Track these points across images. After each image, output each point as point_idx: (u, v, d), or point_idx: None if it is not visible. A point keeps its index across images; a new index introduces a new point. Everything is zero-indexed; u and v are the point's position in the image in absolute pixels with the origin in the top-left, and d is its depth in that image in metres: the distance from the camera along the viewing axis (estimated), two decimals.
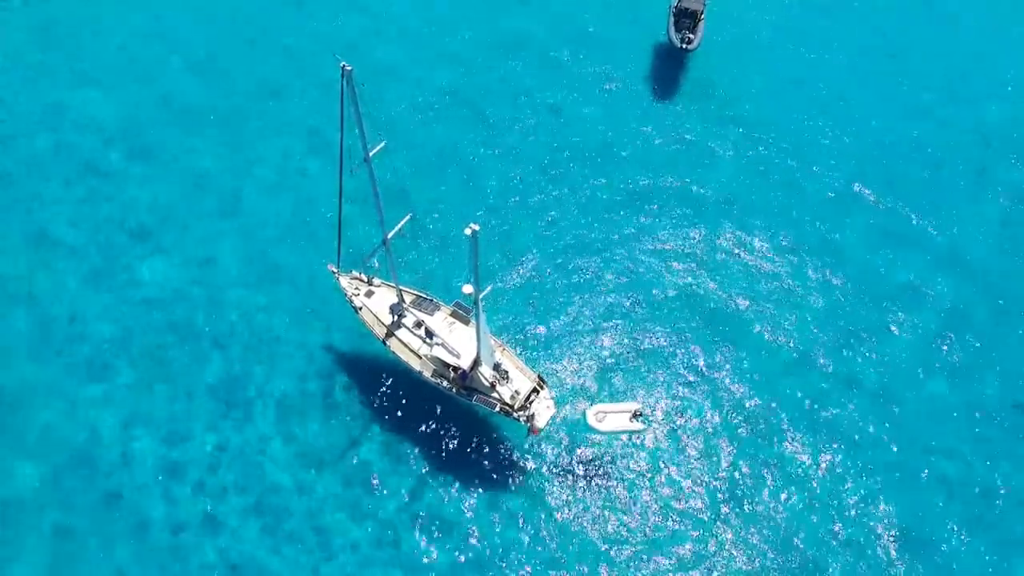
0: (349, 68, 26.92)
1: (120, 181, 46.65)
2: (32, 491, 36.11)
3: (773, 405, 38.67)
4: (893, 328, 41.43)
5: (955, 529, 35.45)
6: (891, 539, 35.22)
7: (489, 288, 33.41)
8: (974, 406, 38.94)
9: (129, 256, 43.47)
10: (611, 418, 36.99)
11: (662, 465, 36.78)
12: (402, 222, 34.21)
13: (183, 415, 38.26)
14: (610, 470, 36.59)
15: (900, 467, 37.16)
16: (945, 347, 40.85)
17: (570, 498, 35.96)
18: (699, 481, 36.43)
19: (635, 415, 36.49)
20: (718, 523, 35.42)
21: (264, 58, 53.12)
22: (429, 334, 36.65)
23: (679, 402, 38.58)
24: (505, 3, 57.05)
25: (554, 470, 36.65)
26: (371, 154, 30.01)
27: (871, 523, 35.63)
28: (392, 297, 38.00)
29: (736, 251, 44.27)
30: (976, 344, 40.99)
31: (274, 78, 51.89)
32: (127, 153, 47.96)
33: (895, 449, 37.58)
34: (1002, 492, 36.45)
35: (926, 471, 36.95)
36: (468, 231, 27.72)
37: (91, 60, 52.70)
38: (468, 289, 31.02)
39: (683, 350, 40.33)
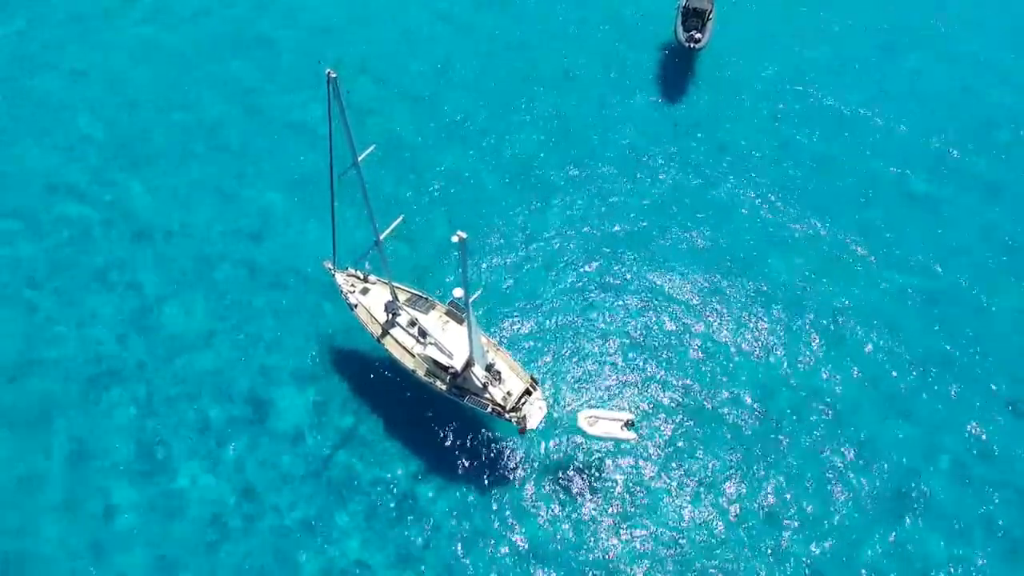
0: (334, 75, 26.65)
1: None
2: None
3: (771, 426, 38.15)
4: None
5: None
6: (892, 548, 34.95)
7: (479, 292, 33.28)
8: None
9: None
10: (602, 423, 36.71)
11: (650, 477, 36.60)
12: (394, 224, 34.05)
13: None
14: (596, 476, 36.53)
15: (902, 474, 36.79)
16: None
17: (553, 501, 36.01)
18: (687, 495, 36.24)
19: (627, 424, 36.21)
20: (699, 540, 35.26)
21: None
22: (423, 333, 36.62)
23: (673, 415, 38.22)
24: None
25: (540, 471, 36.66)
26: (360, 159, 29.80)
27: (874, 537, 35.27)
28: (387, 295, 37.97)
29: (743, 255, 43.51)
30: None
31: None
32: None
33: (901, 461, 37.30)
34: None
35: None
36: (455, 238, 27.40)
37: None
38: (459, 292, 30.88)
39: (684, 361, 39.87)
